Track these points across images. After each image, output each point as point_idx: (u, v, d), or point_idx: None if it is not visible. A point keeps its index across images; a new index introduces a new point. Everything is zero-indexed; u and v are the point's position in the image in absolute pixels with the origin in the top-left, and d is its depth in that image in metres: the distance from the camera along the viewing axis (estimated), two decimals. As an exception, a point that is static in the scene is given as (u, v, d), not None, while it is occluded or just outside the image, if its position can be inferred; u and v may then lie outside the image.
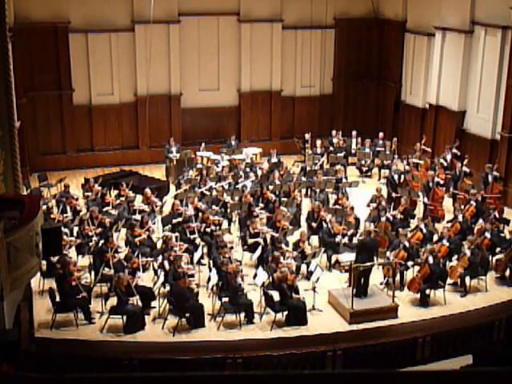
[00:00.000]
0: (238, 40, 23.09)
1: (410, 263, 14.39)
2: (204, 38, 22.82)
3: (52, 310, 12.93)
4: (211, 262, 14.44)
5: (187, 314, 12.86)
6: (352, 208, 16.46)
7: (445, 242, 14.89)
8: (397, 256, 14.42)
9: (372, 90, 24.59)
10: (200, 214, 16.39)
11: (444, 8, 21.00)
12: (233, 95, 23.63)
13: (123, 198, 17.33)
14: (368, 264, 13.98)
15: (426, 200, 17.90)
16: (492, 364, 10.01)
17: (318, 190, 18.42)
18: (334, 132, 22.63)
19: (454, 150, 19.92)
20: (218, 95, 23.42)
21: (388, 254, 14.88)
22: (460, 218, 16.02)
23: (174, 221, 16.03)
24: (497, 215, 16.28)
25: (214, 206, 16.98)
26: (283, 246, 14.98)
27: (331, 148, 22.00)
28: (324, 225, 15.96)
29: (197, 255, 14.63)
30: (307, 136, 22.27)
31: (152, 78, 20.64)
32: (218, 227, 16.25)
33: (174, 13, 22.21)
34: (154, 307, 13.47)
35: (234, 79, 23.49)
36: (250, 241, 15.29)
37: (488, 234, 15.13)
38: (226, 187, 18.19)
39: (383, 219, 16.12)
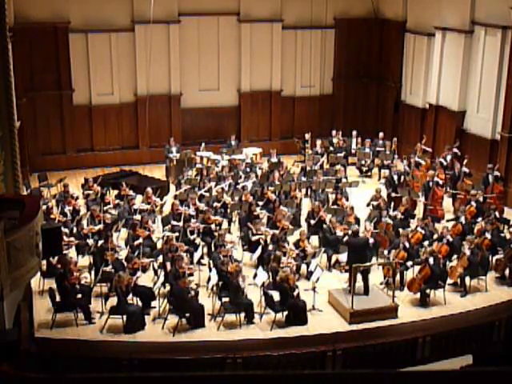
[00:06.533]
0: (238, 40, 23.09)
1: (409, 263, 14.39)
2: (204, 37, 22.82)
3: (52, 309, 12.94)
4: (211, 262, 14.44)
5: (187, 314, 12.87)
6: (352, 208, 16.47)
7: (445, 241, 14.90)
8: (397, 256, 14.42)
9: (372, 90, 24.59)
10: (200, 214, 16.40)
11: (444, 8, 21.00)
12: (233, 95, 23.63)
13: (122, 199, 17.33)
14: (368, 264, 13.99)
15: (424, 200, 17.90)
16: (492, 364, 10.03)
17: (320, 190, 18.41)
18: (334, 132, 22.64)
19: (455, 150, 19.93)
20: (218, 95, 23.42)
21: (388, 253, 14.89)
22: (462, 219, 16.01)
23: (174, 222, 16.03)
24: (497, 215, 16.29)
25: (213, 206, 16.99)
26: (285, 245, 15.00)
27: (331, 148, 22.00)
28: (324, 225, 15.98)
29: (197, 255, 14.64)
30: (307, 136, 22.27)
31: (152, 78, 20.63)
32: (218, 227, 16.29)
33: (174, 13, 22.21)
34: (154, 307, 13.47)
35: (234, 79, 23.50)
36: (253, 238, 15.29)
37: (488, 235, 15.14)
38: (226, 188, 18.20)
39: (384, 219, 16.10)
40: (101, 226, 15.55)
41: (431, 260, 13.81)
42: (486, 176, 18.23)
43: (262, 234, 15.33)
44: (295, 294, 13.17)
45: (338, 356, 11.68)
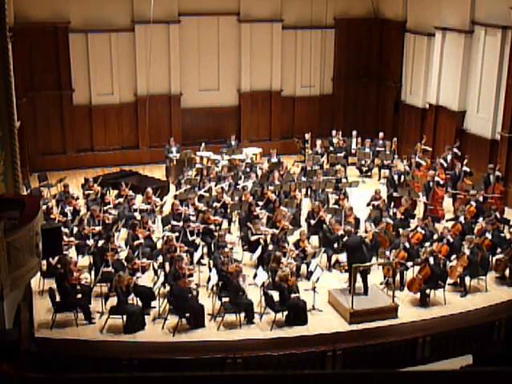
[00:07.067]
0: (238, 40, 23.09)
1: (409, 263, 14.40)
2: (204, 37, 22.83)
3: (52, 309, 12.94)
4: (211, 262, 14.44)
5: (187, 314, 12.86)
6: (351, 208, 16.46)
7: (445, 242, 14.90)
8: (397, 256, 14.42)
9: (372, 90, 24.59)
10: (200, 214, 16.40)
11: (444, 8, 21.00)
12: (233, 95, 23.63)
13: (122, 199, 17.33)
14: (368, 264, 13.99)
15: (425, 200, 17.91)
16: (492, 364, 10.02)
17: (320, 190, 18.40)
18: (334, 132, 22.64)
19: (455, 150, 19.93)
20: (218, 95, 23.43)
21: (388, 253, 14.89)
22: (462, 219, 16.00)
23: (174, 223, 16.03)
24: (498, 215, 16.28)
25: (213, 206, 16.98)
26: (285, 245, 14.99)
27: (331, 148, 22.01)
28: (324, 225, 15.97)
29: (197, 255, 14.63)
30: (307, 136, 22.28)
31: (152, 78, 20.63)
32: (218, 227, 16.28)
33: (174, 13, 22.21)
34: (154, 307, 13.47)
35: (234, 79, 23.49)
36: (253, 238, 15.29)
37: (489, 235, 15.13)
38: (226, 188, 18.20)
39: (384, 219, 16.08)
40: (100, 227, 15.54)
41: (431, 260, 13.82)
42: (487, 176, 18.23)
43: (261, 234, 15.33)
44: (294, 296, 13.16)
45: (338, 356, 11.67)
